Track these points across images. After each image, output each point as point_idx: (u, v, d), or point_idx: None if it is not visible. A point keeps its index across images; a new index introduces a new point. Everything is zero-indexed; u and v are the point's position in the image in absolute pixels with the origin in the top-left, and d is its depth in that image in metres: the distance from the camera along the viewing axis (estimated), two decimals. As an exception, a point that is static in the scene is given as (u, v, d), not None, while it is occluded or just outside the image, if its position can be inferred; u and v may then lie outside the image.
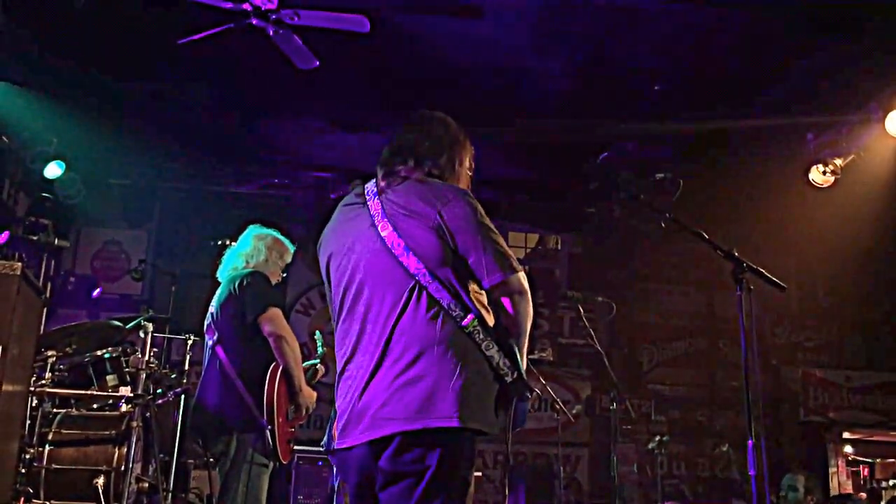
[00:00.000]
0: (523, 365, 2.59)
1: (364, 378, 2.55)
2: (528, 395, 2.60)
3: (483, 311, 2.60)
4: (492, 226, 2.63)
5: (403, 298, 2.54)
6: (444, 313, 2.51)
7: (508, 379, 2.53)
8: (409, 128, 2.89)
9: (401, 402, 2.44)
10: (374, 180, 2.79)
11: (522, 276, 2.60)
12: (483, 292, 2.64)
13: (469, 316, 2.51)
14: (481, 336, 2.51)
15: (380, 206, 2.66)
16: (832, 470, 10.38)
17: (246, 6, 5.84)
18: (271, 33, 6.06)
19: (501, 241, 2.62)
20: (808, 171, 7.87)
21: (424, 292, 2.52)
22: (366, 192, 2.76)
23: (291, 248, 4.89)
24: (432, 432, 2.42)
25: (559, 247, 11.60)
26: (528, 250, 11.77)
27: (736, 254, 3.55)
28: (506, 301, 2.60)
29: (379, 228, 2.61)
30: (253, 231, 4.85)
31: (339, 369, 2.70)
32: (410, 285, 2.54)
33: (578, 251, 11.32)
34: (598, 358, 6.64)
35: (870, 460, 10.17)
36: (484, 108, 8.08)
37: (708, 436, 10.80)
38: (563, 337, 11.07)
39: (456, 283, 2.56)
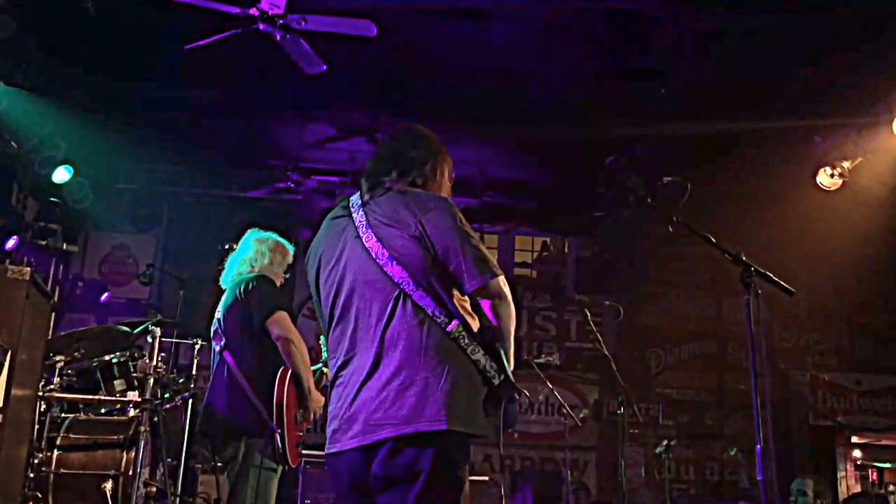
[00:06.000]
0: (510, 367, 2.66)
1: (356, 385, 2.61)
2: (517, 396, 2.67)
3: (467, 317, 2.66)
4: (472, 232, 2.69)
5: (389, 307, 2.61)
6: (429, 320, 2.58)
7: (496, 381, 2.60)
8: (392, 140, 2.98)
9: (392, 408, 2.51)
10: (358, 192, 2.87)
11: (502, 280, 2.67)
12: (466, 298, 2.70)
13: (454, 322, 2.58)
14: (466, 341, 2.58)
15: (364, 217, 2.73)
16: (840, 474, 10.34)
17: (253, 11, 5.85)
18: (278, 38, 6.07)
19: (481, 246, 2.67)
20: (815, 173, 7.86)
21: (409, 300, 2.59)
22: (351, 204, 2.84)
23: (292, 250, 4.90)
24: (423, 436, 2.48)
25: (567, 250, 11.59)
26: (536, 254, 11.77)
27: (744, 257, 3.53)
28: (486, 305, 2.68)
29: (363, 239, 2.69)
30: (253, 235, 4.84)
31: (331, 376, 2.78)
32: (395, 294, 2.61)
33: (586, 255, 11.29)
34: (605, 362, 6.62)
35: (879, 464, 10.12)
36: (492, 112, 8.10)
37: (716, 440, 10.77)
38: (571, 341, 11.07)
39: (440, 289, 2.62)
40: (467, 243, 2.63)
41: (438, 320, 2.57)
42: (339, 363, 2.72)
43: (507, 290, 2.68)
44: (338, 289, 2.74)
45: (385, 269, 2.62)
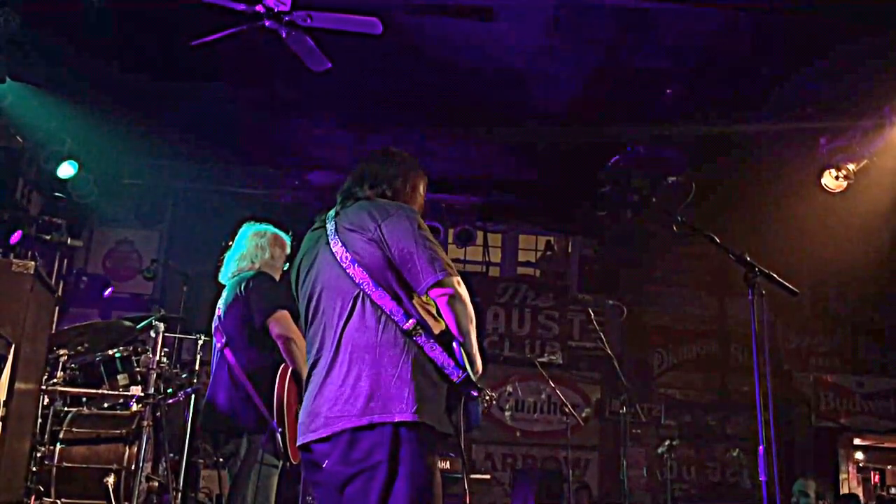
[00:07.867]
0: (475, 365, 2.79)
1: (321, 380, 2.78)
2: (475, 394, 2.76)
3: (427, 317, 2.80)
4: (430, 237, 2.84)
5: (349, 306, 2.77)
6: (386, 318, 2.73)
7: (454, 379, 2.71)
8: (369, 160, 3.18)
9: (347, 402, 2.66)
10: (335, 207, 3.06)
11: (457, 280, 2.79)
12: (431, 302, 2.83)
13: (411, 320, 2.72)
14: (423, 338, 2.71)
15: (333, 225, 2.93)
16: (843, 476, 10.33)
17: (259, 8, 5.85)
18: (284, 35, 6.07)
19: (437, 249, 2.81)
20: (820, 175, 7.85)
21: (368, 299, 2.75)
22: (327, 217, 3.04)
23: (288, 240, 4.88)
24: (378, 427, 2.60)
25: (570, 250, 11.58)
26: (539, 253, 11.77)
27: (748, 258, 3.54)
28: (442, 303, 2.79)
29: (331, 245, 2.88)
30: (249, 229, 4.80)
31: (307, 373, 2.93)
32: (355, 294, 2.77)
33: (589, 254, 11.29)
34: (608, 361, 6.63)
35: (881, 467, 10.12)
36: (496, 111, 8.09)
37: (718, 440, 10.77)
38: (573, 340, 11.06)
39: (399, 290, 2.78)
40: (422, 246, 2.78)
41: (395, 318, 2.71)
42: (311, 361, 2.89)
43: (462, 289, 2.79)
44: (311, 292, 2.93)
45: (347, 270, 2.79)
